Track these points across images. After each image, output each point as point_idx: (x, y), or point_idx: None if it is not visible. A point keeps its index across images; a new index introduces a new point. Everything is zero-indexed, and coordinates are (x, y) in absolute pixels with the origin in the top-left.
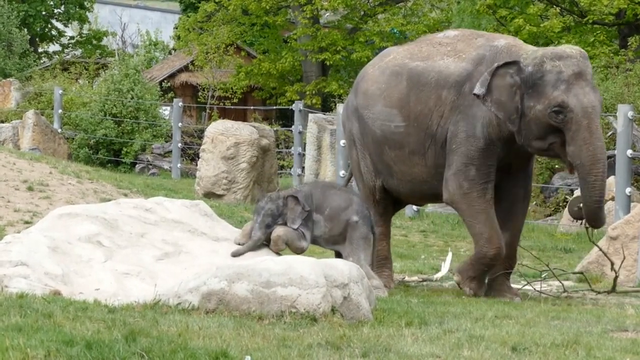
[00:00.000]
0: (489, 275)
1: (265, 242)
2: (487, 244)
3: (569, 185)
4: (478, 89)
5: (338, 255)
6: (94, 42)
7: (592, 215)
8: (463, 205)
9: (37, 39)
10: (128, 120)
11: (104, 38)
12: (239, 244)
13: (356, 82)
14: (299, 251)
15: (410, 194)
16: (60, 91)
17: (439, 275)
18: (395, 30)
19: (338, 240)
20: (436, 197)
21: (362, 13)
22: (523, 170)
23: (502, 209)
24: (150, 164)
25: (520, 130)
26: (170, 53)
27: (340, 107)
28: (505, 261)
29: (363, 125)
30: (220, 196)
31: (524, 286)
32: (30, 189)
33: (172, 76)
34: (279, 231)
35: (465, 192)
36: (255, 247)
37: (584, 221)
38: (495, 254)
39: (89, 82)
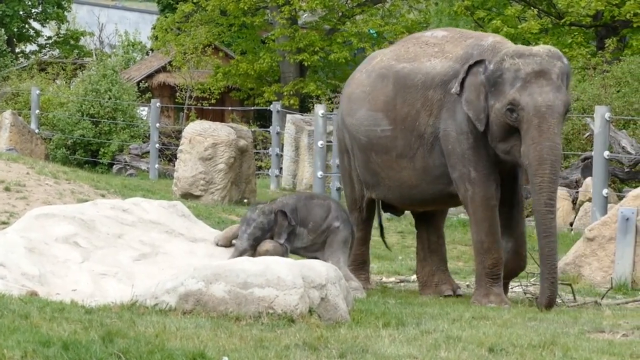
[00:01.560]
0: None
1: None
2: (486, 253)
3: None
4: (454, 87)
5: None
6: (72, 42)
7: (541, 224)
8: (469, 209)
9: (14, 39)
10: (105, 120)
11: (82, 38)
12: (218, 245)
13: (344, 88)
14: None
15: (400, 200)
16: (38, 91)
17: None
18: (372, 31)
19: (319, 248)
20: (426, 202)
21: (340, 14)
22: (508, 173)
23: (502, 215)
24: (128, 165)
25: (486, 131)
26: (148, 53)
27: (318, 108)
28: (514, 265)
29: (349, 133)
30: (197, 197)
31: (513, 288)
32: (7, 189)
33: (149, 77)
34: (267, 246)
35: (471, 197)
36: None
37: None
38: (493, 263)
39: (66, 82)
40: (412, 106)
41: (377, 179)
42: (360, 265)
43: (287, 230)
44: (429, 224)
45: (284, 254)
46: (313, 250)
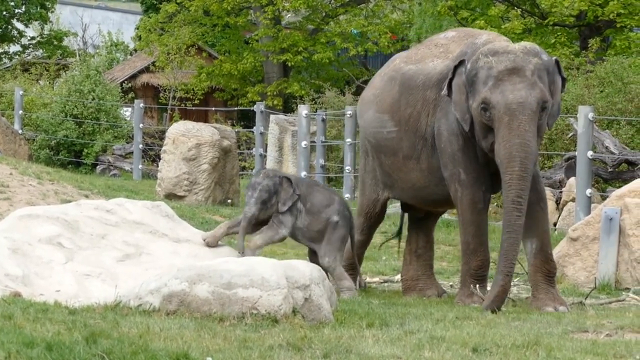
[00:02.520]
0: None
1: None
2: (472, 255)
3: None
4: (444, 89)
5: (312, 252)
6: (55, 42)
7: (507, 220)
8: (458, 210)
9: None
10: (89, 121)
11: (65, 39)
12: (208, 244)
13: None
14: (280, 240)
15: (414, 200)
16: (21, 92)
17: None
18: (355, 32)
19: (315, 238)
20: (438, 203)
21: (324, 14)
22: None
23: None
24: (112, 165)
25: (470, 131)
26: (131, 54)
27: (301, 108)
28: (543, 267)
29: (362, 134)
30: (181, 197)
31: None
32: None
33: (133, 77)
34: (257, 242)
35: (459, 198)
36: (249, 225)
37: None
38: (479, 265)
39: (49, 83)
40: (414, 107)
41: (391, 180)
42: (352, 265)
43: (291, 198)
44: (419, 227)
45: (276, 232)
46: (310, 237)
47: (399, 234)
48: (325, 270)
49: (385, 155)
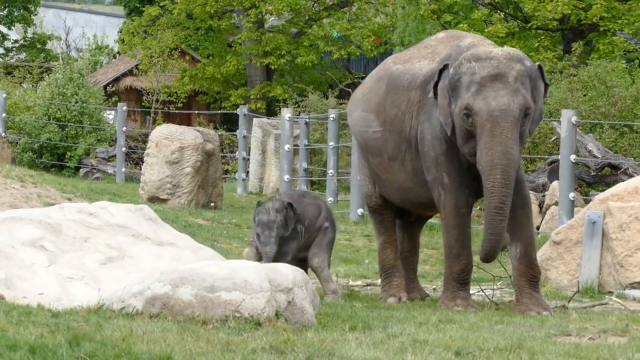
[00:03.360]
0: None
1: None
2: (455, 259)
3: None
4: (430, 92)
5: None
6: (39, 45)
7: (489, 223)
8: (441, 214)
9: None
10: (72, 124)
11: (48, 42)
12: None
13: None
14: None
15: (402, 202)
16: (4, 95)
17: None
18: (337, 35)
19: (307, 247)
20: (424, 205)
21: (307, 17)
22: None
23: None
24: (95, 168)
25: (452, 135)
26: (114, 57)
27: (285, 112)
28: (527, 271)
29: (352, 132)
30: (164, 200)
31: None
32: None
33: (116, 80)
34: (248, 253)
35: (443, 202)
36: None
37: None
38: (461, 269)
39: (32, 86)
40: (398, 107)
41: (380, 179)
42: (388, 271)
43: (292, 221)
44: (406, 231)
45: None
46: (304, 248)
47: None
48: (314, 270)
49: (372, 155)
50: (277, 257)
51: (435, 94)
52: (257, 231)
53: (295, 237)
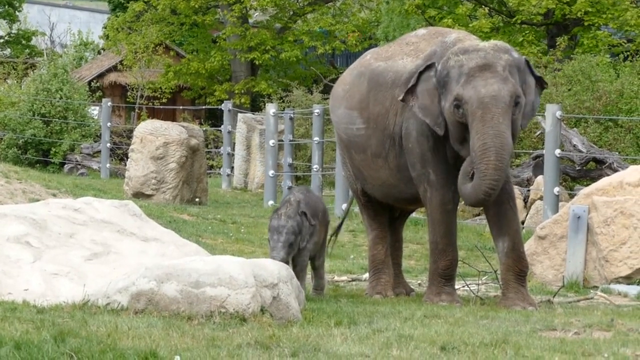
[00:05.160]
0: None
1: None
2: (440, 255)
3: None
4: (400, 94)
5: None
6: (23, 41)
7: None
8: (427, 210)
9: None
10: (57, 120)
11: (33, 38)
12: None
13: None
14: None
15: (385, 198)
16: None
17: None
18: (322, 30)
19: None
20: (408, 201)
21: (291, 12)
22: None
23: (492, 216)
24: (79, 164)
25: (447, 134)
26: (99, 53)
27: (269, 107)
28: (515, 266)
29: (334, 129)
30: (149, 196)
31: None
32: None
33: (101, 76)
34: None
35: (429, 198)
36: None
37: None
38: (447, 265)
39: (17, 81)
40: (382, 105)
41: (362, 176)
42: (378, 266)
43: (309, 231)
44: (389, 226)
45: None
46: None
47: (338, 229)
48: (314, 266)
49: (356, 152)
50: (302, 253)
51: (411, 96)
52: (268, 236)
53: (314, 233)
